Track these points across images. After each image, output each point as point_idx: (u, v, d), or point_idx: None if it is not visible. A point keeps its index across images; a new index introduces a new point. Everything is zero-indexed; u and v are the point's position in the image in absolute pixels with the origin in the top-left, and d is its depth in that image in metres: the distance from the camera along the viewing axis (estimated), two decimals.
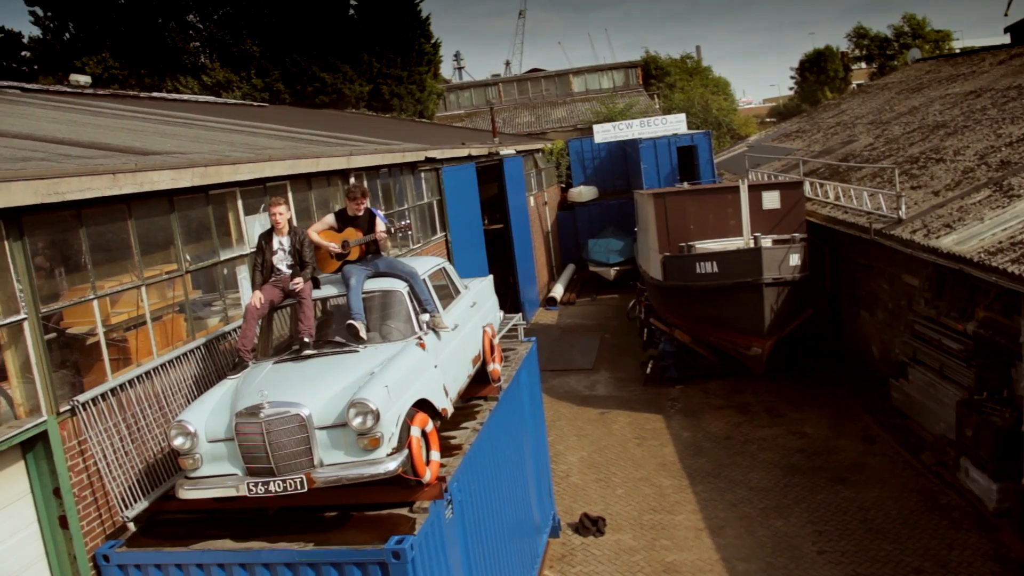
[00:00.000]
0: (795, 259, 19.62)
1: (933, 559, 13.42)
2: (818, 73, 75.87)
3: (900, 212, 17.41)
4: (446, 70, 72.61)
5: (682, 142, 36.20)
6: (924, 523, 14.52)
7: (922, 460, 16.65)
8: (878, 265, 20.55)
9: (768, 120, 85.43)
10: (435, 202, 22.48)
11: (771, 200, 21.46)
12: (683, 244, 21.61)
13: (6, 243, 8.06)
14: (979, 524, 14.18)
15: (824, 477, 16.69)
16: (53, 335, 8.80)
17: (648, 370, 24.10)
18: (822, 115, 40.56)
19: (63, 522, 8.56)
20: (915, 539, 14.07)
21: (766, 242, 20.12)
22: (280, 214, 10.22)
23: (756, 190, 21.66)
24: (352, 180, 15.95)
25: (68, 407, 8.68)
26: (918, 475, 16.24)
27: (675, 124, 37.91)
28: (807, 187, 23.13)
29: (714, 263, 20.10)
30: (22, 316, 8.20)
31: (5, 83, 20.74)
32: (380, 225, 10.73)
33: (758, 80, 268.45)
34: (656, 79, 68.49)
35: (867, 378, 21.45)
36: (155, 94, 28.26)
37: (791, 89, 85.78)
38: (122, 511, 9.08)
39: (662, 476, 17.70)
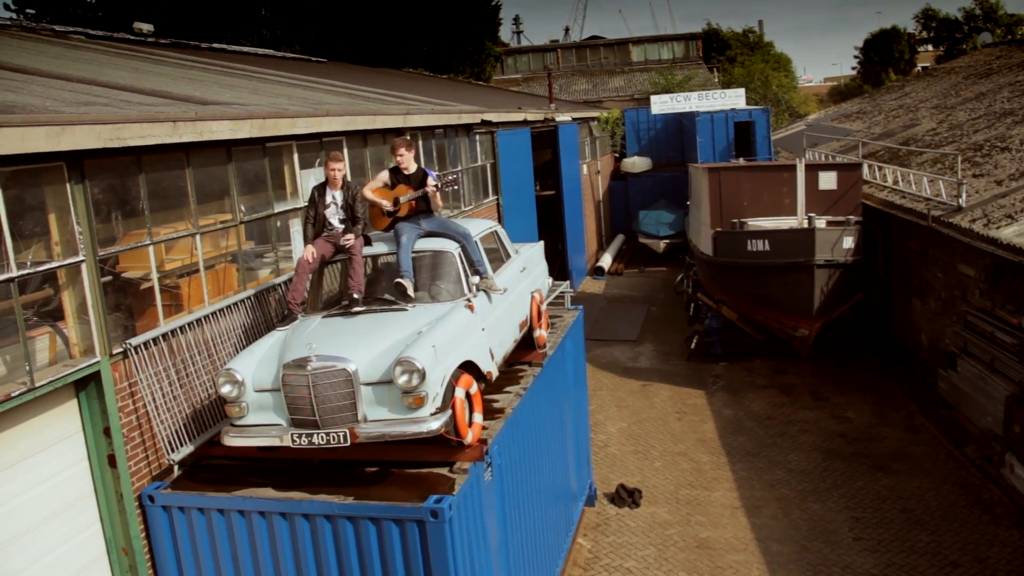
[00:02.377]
0: (849, 242, 19.37)
1: (971, 554, 13.26)
2: (883, 54, 74.24)
3: (960, 200, 17.06)
4: (505, 33, 72.24)
5: (740, 117, 35.74)
6: (964, 517, 14.35)
7: (966, 453, 16.43)
8: (934, 253, 20.19)
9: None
10: (488, 165, 22.45)
11: (828, 181, 21.15)
12: (735, 220, 21.40)
13: (68, 185, 8.19)
14: (1021, 522, 13.97)
15: (864, 463, 16.54)
16: (109, 278, 8.95)
17: (693, 345, 24.00)
18: (884, 97, 39.81)
19: (111, 461, 8.76)
20: (954, 532, 13.91)
21: (820, 223, 19.86)
22: (338, 170, 10.28)
23: (813, 170, 21.35)
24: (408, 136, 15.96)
25: (121, 349, 8.85)
26: (961, 468, 16.03)
27: (733, 99, 37.39)
28: (865, 169, 22.75)
29: (766, 241, 19.90)
30: (80, 258, 8.35)
31: (70, 28, 20.98)
32: (429, 180, 10.74)
33: (820, 58, 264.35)
34: (716, 52, 67.57)
35: (914, 367, 21.15)
36: (215, 45, 28.43)
37: (853, 69, 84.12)
38: (168, 453, 9.26)
39: (701, 452, 17.67)
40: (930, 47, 75.05)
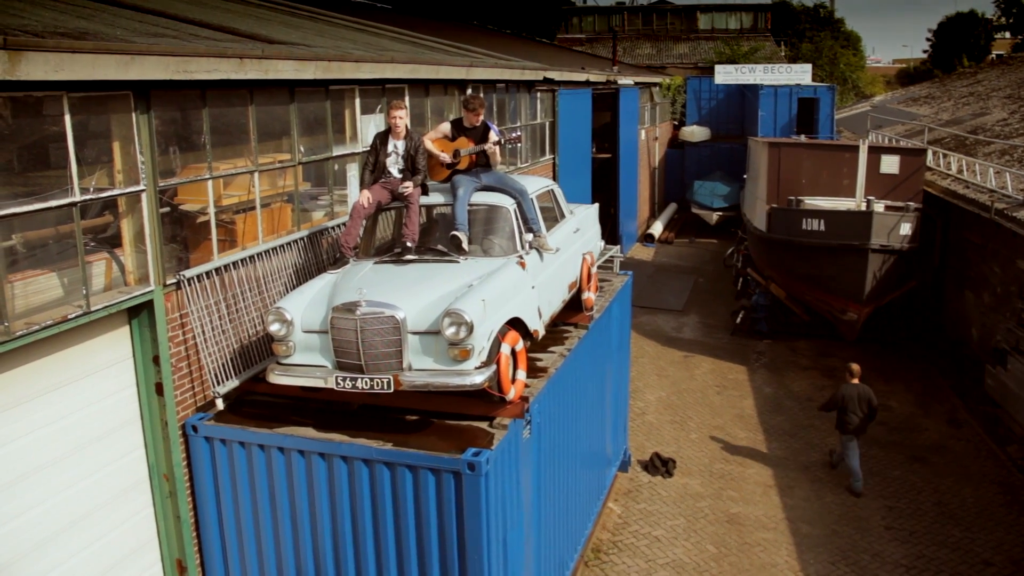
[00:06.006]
0: (906, 228, 19.04)
1: (1005, 555, 13.11)
2: (958, 39, 72.17)
3: None
4: None
5: (804, 93, 35.20)
6: (1001, 516, 14.18)
7: (1008, 453, 16.19)
8: (993, 246, 19.79)
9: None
10: (547, 124, 22.32)
11: (890, 165, 20.77)
12: (792, 198, 21.14)
13: (133, 115, 8.25)
14: None
15: (903, 454, 16.38)
16: (167, 209, 9.04)
17: (738, 320, 23.85)
18: (955, 83, 38.91)
19: (159, 389, 8.91)
20: (989, 531, 13.76)
21: (879, 207, 19.53)
22: (400, 118, 10.22)
23: (876, 152, 20.97)
24: (469, 91, 15.89)
25: (174, 280, 8.96)
26: (1001, 467, 15.81)
27: (799, 74, 36.82)
28: (929, 156, 22.29)
29: (822, 221, 19.64)
30: (141, 187, 8.43)
31: None
32: (492, 136, 10.67)
33: (890, 39, 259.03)
34: (785, 25, 66.32)
35: (962, 360, 20.82)
36: None
37: (925, 52, 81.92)
38: (214, 386, 9.40)
39: (738, 428, 17.60)
40: (1008, 34, 72.82)
